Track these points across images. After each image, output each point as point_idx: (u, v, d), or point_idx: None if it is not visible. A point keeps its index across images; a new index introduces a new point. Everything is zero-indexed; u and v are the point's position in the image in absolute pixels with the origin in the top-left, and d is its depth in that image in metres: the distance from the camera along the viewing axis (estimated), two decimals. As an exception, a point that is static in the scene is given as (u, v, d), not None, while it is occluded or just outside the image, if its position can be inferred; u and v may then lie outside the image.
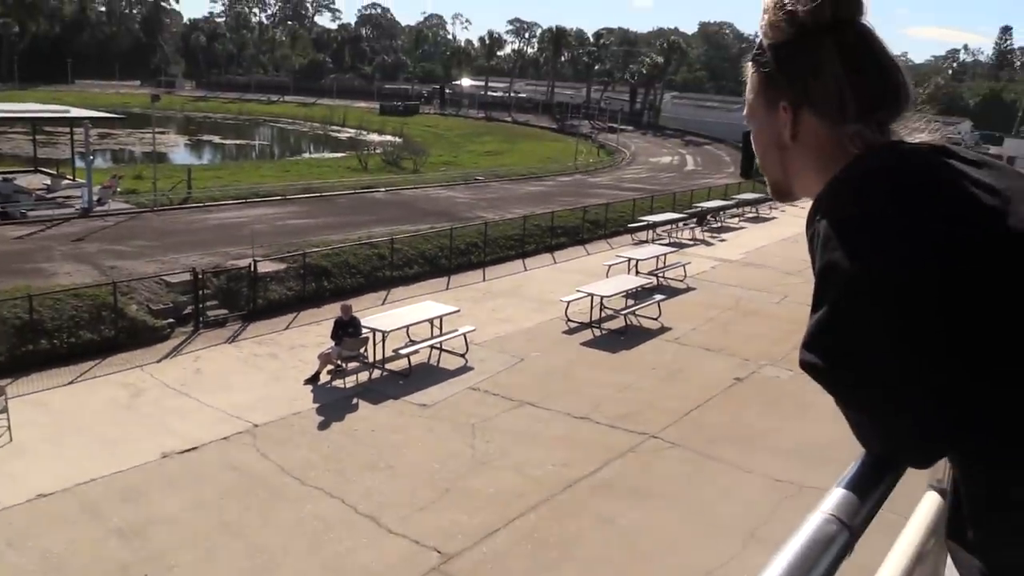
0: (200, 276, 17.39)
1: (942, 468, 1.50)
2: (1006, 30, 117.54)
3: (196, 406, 13.07)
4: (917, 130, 1.13)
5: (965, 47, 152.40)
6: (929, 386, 0.95)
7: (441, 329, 15.97)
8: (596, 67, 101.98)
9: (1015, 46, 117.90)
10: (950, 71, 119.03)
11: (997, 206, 0.98)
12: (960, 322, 0.93)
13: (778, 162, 1.22)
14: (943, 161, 1.03)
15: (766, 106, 1.19)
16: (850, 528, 0.86)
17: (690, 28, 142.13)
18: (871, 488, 0.96)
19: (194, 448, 11.60)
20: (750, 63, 1.22)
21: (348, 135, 74.61)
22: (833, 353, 1.01)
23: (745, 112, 1.26)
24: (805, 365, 1.05)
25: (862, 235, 0.97)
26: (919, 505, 1.45)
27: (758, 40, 1.20)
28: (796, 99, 1.14)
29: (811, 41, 1.11)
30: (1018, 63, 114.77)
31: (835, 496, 0.92)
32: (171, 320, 16.67)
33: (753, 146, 1.27)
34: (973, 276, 0.94)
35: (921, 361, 0.94)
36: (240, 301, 18.03)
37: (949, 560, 1.45)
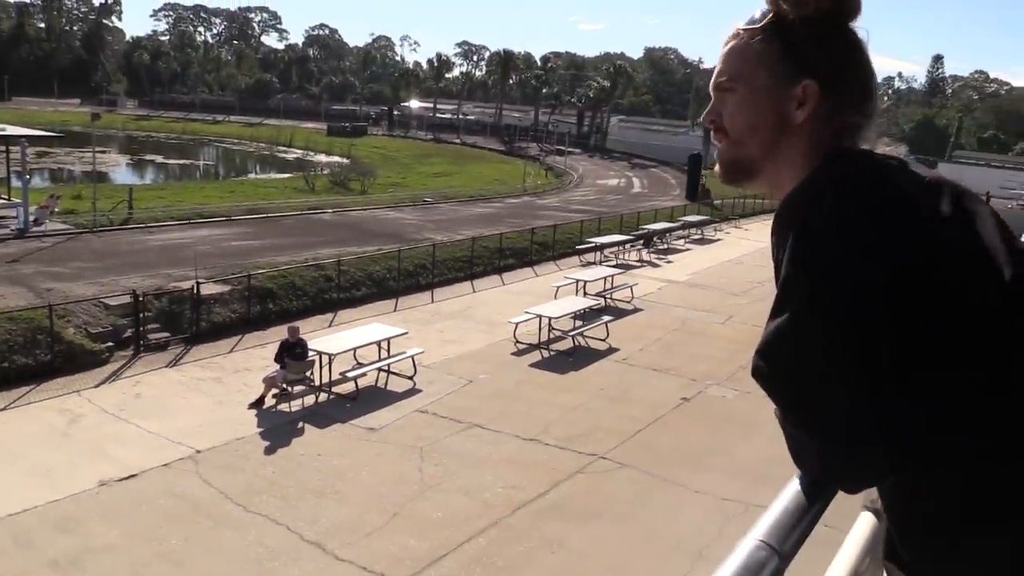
0: (141, 298, 17.00)
1: (875, 489, 1.52)
2: (938, 59, 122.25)
3: (136, 432, 12.73)
4: (881, 142, 1.13)
5: (899, 75, 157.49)
6: (876, 409, 0.95)
7: (389, 351, 15.85)
8: (544, 90, 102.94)
9: (946, 74, 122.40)
10: (885, 97, 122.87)
11: (963, 227, 0.99)
12: (918, 347, 0.94)
13: (767, 141, 1.15)
14: (913, 178, 1.04)
15: (774, 79, 1.13)
16: (780, 553, 0.86)
17: (636, 53, 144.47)
18: (803, 512, 0.96)
19: (133, 475, 11.27)
20: (750, 31, 1.15)
21: (295, 156, 74.08)
22: (786, 363, 0.99)
23: (723, 79, 1.18)
24: (756, 372, 1.03)
25: (831, 248, 0.96)
26: (854, 526, 1.45)
27: (765, 11, 1.14)
28: (827, 80, 1.10)
29: (845, 26, 1.11)
30: (949, 90, 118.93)
31: (766, 521, 0.92)
32: (110, 344, 16.23)
33: (727, 119, 1.19)
34: (938, 303, 0.94)
35: (872, 381, 0.94)
36: (182, 324, 17.66)
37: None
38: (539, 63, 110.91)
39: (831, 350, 0.94)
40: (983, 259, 0.97)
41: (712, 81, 1.20)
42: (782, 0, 1.11)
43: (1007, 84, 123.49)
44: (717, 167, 1.23)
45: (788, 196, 1.06)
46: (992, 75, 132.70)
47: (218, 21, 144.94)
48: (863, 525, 1.46)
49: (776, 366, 1.00)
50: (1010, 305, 0.96)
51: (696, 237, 37.11)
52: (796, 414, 1.03)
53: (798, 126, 1.12)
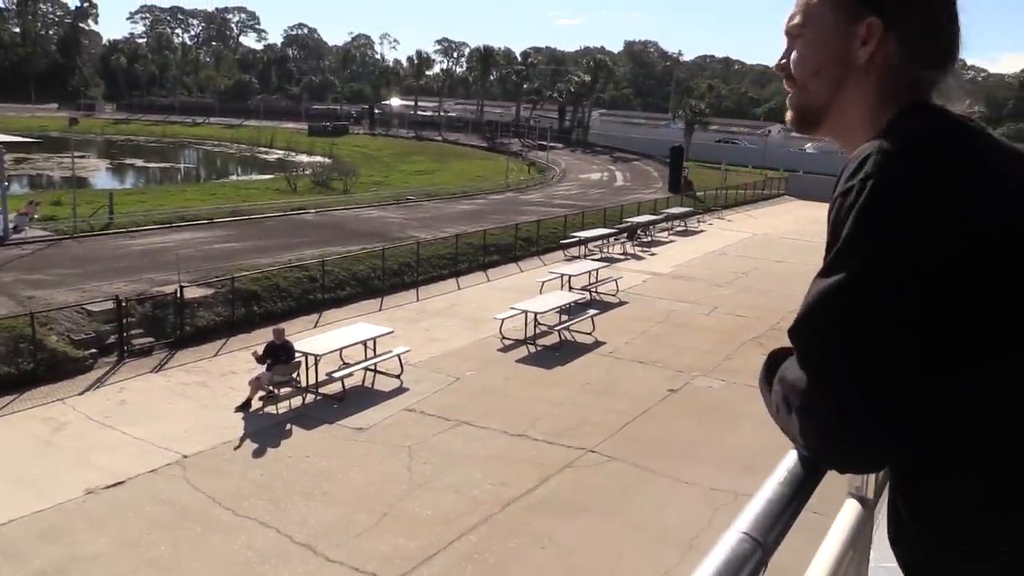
0: (124, 304, 16.88)
1: (861, 477, 1.52)
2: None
3: (122, 439, 12.64)
4: (956, 98, 1.09)
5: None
6: (902, 392, 0.93)
7: (375, 351, 15.80)
8: (525, 85, 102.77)
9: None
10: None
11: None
12: (970, 332, 0.92)
13: (834, 82, 1.11)
14: (991, 143, 1.01)
15: (842, 15, 1.08)
16: (763, 546, 0.86)
17: (616, 47, 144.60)
18: (787, 503, 0.96)
19: (120, 483, 11.20)
20: None
21: (276, 156, 73.62)
22: (826, 326, 0.96)
23: (797, 19, 1.14)
24: (794, 329, 1.00)
25: (898, 214, 0.92)
26: (840, 513, 1.45)
27: None
28: (895, 19, 1.05)
29: None
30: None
31: (750, 513, 0.92)
32: (94, 350, 16.12)
33: (795, 58, 1.14)
34: (1007, 284, 0.92)
35: (909, 364, 0.92)
36: (166, 329, 17.55)
37: (871, 568, 1.48)
38: (519, 59, 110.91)
39: (877, 323, 0.92)
40: None
41: (784, 25, 1.17)
42: None
43: (984, 70, 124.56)
44: (788, 115, 1.21)
45: (859, 151, 1.00)
46: (970, 62, 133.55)
47: (196, 22, 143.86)
48: (848, 512, 1.46)
49: (815, 327, 0.97)
50: None
51: (679, 229, 37.20)
52: (819, 381, 0.98)
53: (863, 69, 1.08)
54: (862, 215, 0.93)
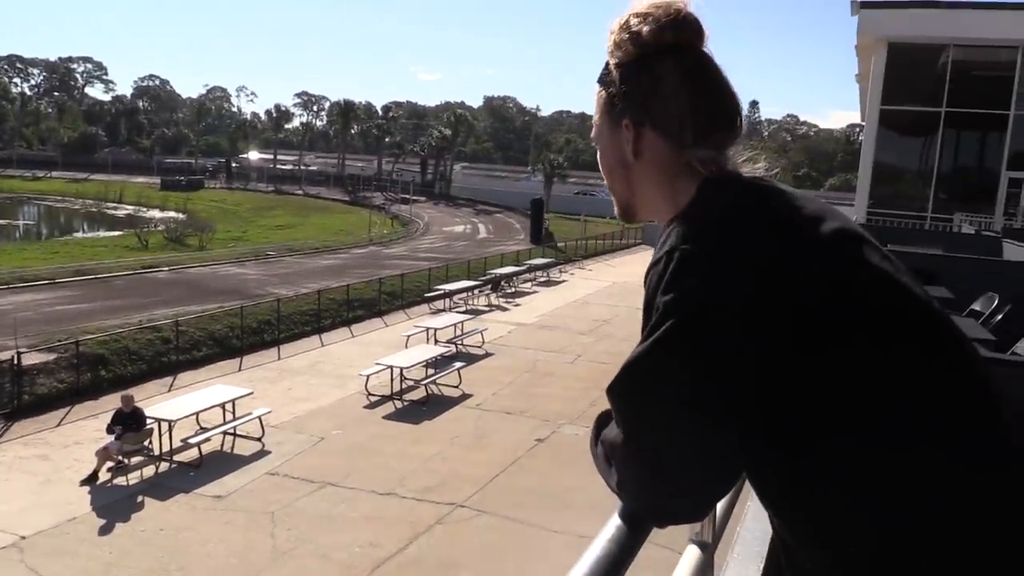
0: (-48, 374, 15.58)
1: (702, 522, 1.58)
2: (754, 104, 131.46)
3: (-51, 522, 11.56)
4: (751, 160, 1.16)
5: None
6: (723, 442, 0.97)
7: (234, 413, 15.19)
8: (387, 139, 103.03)
9: (763, 118, 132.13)
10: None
11: (839, 247, 1.03)
12: (779, 376, 0.96)
13: (624, 180, 1.23)
14: (786, 200, 1.08)
15: (610, 124, 1.21)
16: None
17: (476, 102, 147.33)
18: (612, 561, 0.98)
19: (-53, 571, 10.23)
20: (597, 84, 1.23)
21: (126, 212, 70.43)
22: (641, 386, 1.01)
23: (592, 133, 1.26)
24: (611, 389, 1.04)
25: (711, 274, 0.98)
26: (680, 560, 1.47)
27: (605, 62, 1.21)
28: (638, 117, 1.16)
29: (653, 61, 1.15)
30: (766, 133, 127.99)
31: (580, 569, 0.94)
32: (-84, 426, 14.76)
33: (600, 166, 1.27)
34: (809, 334, 0.96)
35: (723, 414, 0.96)
36: (2, 399, 16.28)
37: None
38: (380, 112, 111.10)
39: (684, 385, 0.97)
40: (846, 275, 1.01)
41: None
42: (610, 53, 1.20)
43: (815, 126, 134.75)
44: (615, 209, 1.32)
45: (664, 229, 1.09)
46: (802, 118, 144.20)
47: (36, 72, 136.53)
48: (689, 558, 1.49)
49: (627, 390, 1.02)
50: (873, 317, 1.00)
51: (542, 279, 37.91)
52: (630, 441, 1.04)
53: (640, 164, 1.19)
54: (669, 282, 1.00)
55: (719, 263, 0.99)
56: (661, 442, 1.00)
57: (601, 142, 1.25)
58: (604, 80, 1.22)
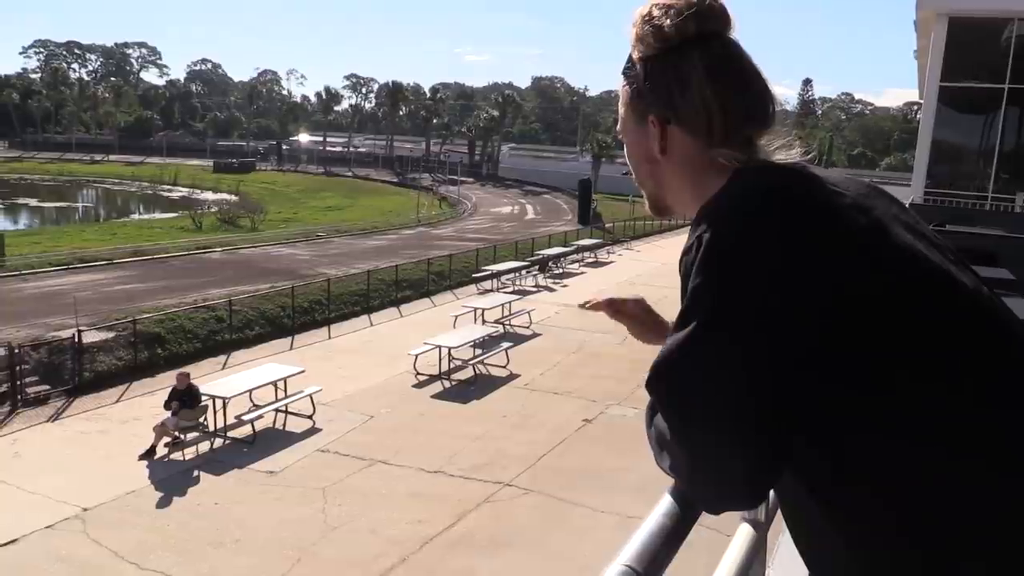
0: (17, 350, 16.09)
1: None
2: (807, 82, 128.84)
3: (15, 494, 11.97)
4: (785, 147, 1.12)
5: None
6: (762, 435, 0.94)
7: (286, 391, 15.45)
8: (434, 121, 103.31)
9: (816, 96, 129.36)
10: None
11: (873, 234, 0.99)
12: (820, 373, 0.93)
13: (651, 175, 1.21)
14: (818, 185, 1.03)
15: (636, 119, 1.18)
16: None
17: (523, 82, 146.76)
18: (670, 532, 0.98)
19: (13, 541, 10.59)
20: (621, 77, 1.20)
21: (181, 194, 71.85)
22: (680, 377, 0.98)
23: (619, 127, 1.23)
24: (649, 383, 1.02)
25: (738, 262, 0.95)
26: (733, 539, 1.46)
27: (629, 54, 1.18)
28: (663, 113, 1.13)
29: (677, 55, 1.11)
30: (819, 111, 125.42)
31: (634, 544, 0.93)
32: (-16, 401, 15.30)
33: (627, 159, 1.24)
34: (845, 325, 0.93)
35: (762, 407, 0.93)
36: (64, 375, 16.79)
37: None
38: (428, 94, 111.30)
39: (724, 372, 0.94)
40: (894, 267, 0.98)
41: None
42: (632, 46, 1.16)
43: (870, 104, 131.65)
44: (645, 204, 1.29)
45: (696, 216, 1.06)
46: (857, 96, 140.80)
47: (94, 58, 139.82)
48: (742, 538, 1.49)
49: (671, 379, 0.99)
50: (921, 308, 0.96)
51: (590, 260, 37.78)
52: (677, 431, 1.01)
53: (667, 160, 1.15)
54: (700, 271, 0.97)
55: (751, 252, 0.96)
56: (703, 436, 0.98)
57: (627, 136, 1.22)
58: (628, 73, 1.18)
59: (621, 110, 1.21)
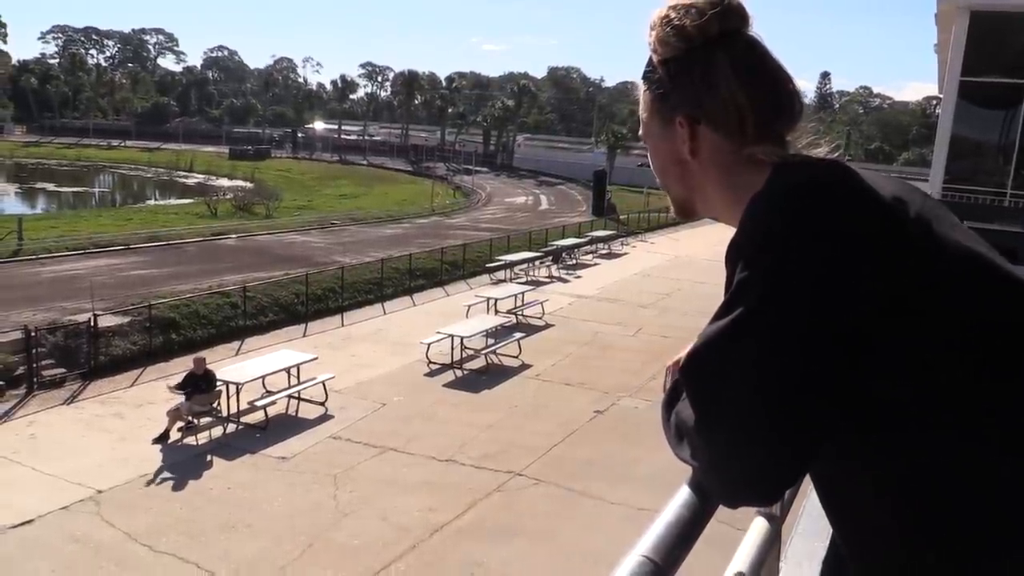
0: (33, 333, 16.23)
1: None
2: (825, 76, 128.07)
3: (31, 475, 12.10)
4: (814, 144, 1.10)
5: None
6: (810, 423, 0.93)
7: (299, 378, 15.53)
8: (450, 110, 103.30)
9: (834, 90, 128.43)
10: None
11: (921, 227, 0.98)
12: (863, 376, 0.92)
13: (679, 178, 1.18)
14: (860, 180, 1.01)
15: (661, 122, 1.16)
16: (662, 568, 0.88)
17: (539, 72, 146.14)
18: (688, 523, 0.98)
19: (29, 521, 10.70)
20: (641, 81, 1.18)
21: (196, 180, 72.17)
22: (715, 367, 0.97)
23: (640, 131, 1.21)
24: (683, 368, 1.01)
25: (792, 254, 0.93)
26: (748, 533, 1.46)
27: (648, 57, 1.16)
28: (692, 114, 1.11)
29: (702, 55, 1.09)
30: (837, 105, 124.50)
31: (651, 535, 0.93)
32: (1, 383, 15.43)
33: (651, 165, 1.21)
34: (894, 319, 0.92)
35: (797, 404, 0.91)
36: (79, 359, 16.92)
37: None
38: (444, 83, 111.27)
39: (759, 369, 0.92)
40: (936, 267, 0.96)
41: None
42: (652, 49, 1.14)
43: (889, 98, 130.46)
44: (670, 208, 1.27)
45: (745, 209, 1.03)
46: (876, 90, 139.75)
47: (111, 43, 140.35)
48: (756, 531, 1.49)
49: (709, 365, 0.98)
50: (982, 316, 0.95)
51: (604, 252, 37.71)
52: (703, 421, 1.00)
53: (698, 161, 1.13)
54: (748, 260, 0.96)
55: (805, 245, 0.94)
56: (734, 427, 0.95)
57: (651, 141, 1.19)
58: (650, 77, 1.16)
59: (643, 115, 1.19)
